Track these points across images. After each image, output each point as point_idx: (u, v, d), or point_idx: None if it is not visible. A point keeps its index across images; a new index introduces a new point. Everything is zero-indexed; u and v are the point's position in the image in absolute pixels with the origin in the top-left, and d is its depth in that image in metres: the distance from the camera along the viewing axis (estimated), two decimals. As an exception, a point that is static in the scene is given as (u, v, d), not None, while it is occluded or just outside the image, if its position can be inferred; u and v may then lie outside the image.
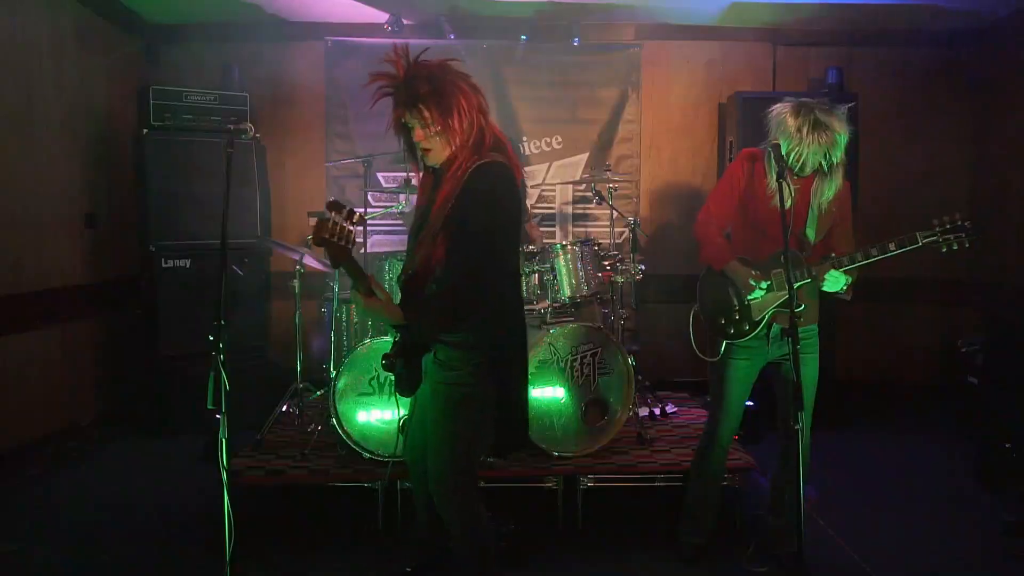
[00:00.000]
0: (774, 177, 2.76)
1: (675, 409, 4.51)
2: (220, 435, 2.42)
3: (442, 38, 5.36)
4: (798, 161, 2.75)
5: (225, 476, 2.42)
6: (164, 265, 4.86)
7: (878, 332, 5.77)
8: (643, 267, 4.32)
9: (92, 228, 4.83)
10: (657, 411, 4.41)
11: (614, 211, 4.83)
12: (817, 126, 2.68)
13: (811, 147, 2.70)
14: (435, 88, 2.22)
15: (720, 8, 5.25)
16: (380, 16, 5.29)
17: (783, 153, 2.73)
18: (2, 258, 4.06)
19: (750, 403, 3.14)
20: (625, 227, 5.30)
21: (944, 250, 2.68)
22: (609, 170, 4.81)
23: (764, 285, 2.81)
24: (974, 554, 3.25)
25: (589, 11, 5.34)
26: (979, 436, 4.09)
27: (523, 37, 5.48)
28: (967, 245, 2.65)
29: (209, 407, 2.40)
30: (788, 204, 2.75)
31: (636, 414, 4.02)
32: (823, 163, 2.75)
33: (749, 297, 2.86)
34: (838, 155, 2.73)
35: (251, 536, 3.29)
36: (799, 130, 2.70)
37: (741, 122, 5.12)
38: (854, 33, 5.59)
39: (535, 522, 3.42)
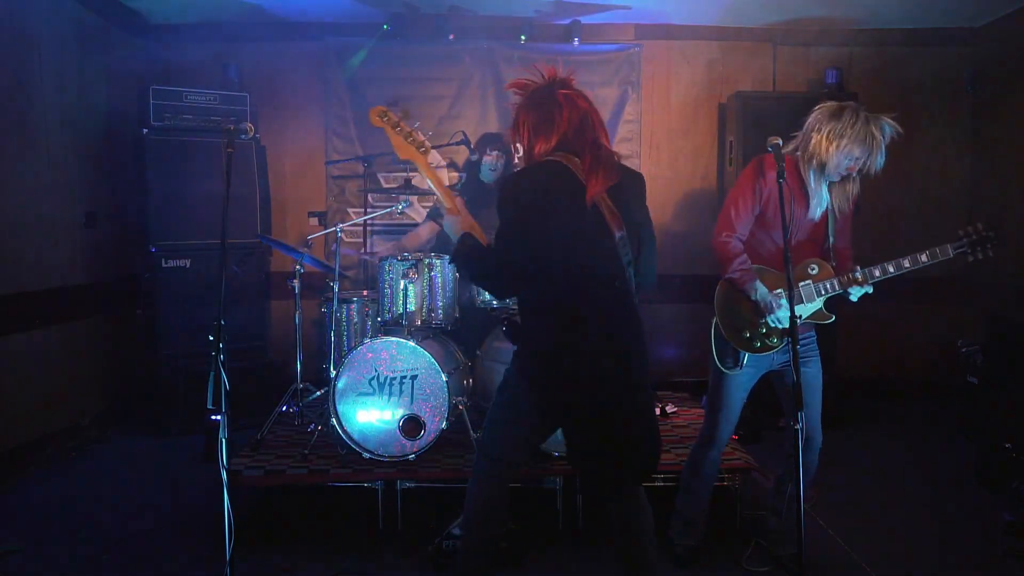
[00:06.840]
0: (822, 186, 2.74)
1: (675, 409, 4.50)
2: (220, 435, 2.42)
3: (442, 38, 5.35)
4: (853, 160, 2.68)
5: (225, 476, 2.42)
6: (164, 265, 4.86)
7: (878, 332, 5.76)
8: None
9: (92, 228, 4.83)
10: (657, 411, 4.40)
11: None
12: (868, 123, 2.63)
13: (864, 147, 2.62)
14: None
15: (720, 8, 5.25)
16: (380, 16, 5.29)
17: (820, 158, 2.69)
18: (2, 258, 4.05)
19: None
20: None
21: (970, 260, 2.67)
22: (609, 170, 4.78)
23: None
24: (974, 554, 3.25)
25: (589, 11, 5.34)
26: (979, 436, 4.08)
27: (523, 37, 5.47)
28: (991, 255, 2.65)
29: (209, 407, 2.40)
30: (820, 213, 2.79)
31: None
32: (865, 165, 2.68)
33: (771, 318, 2.83)
34: (881, 160, 2.65)
35: (251, 536, 3.30)
36: (853, 127, 2.62)
37: (741, 122, 5.12)
38: (854, 33, 5.59)
39: (535, 522, 3.42)
